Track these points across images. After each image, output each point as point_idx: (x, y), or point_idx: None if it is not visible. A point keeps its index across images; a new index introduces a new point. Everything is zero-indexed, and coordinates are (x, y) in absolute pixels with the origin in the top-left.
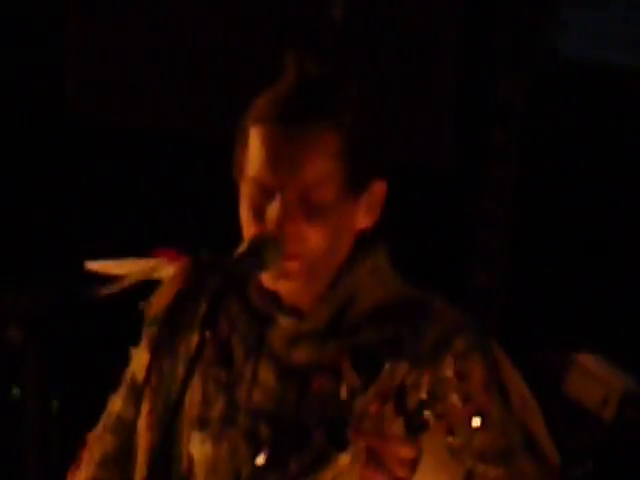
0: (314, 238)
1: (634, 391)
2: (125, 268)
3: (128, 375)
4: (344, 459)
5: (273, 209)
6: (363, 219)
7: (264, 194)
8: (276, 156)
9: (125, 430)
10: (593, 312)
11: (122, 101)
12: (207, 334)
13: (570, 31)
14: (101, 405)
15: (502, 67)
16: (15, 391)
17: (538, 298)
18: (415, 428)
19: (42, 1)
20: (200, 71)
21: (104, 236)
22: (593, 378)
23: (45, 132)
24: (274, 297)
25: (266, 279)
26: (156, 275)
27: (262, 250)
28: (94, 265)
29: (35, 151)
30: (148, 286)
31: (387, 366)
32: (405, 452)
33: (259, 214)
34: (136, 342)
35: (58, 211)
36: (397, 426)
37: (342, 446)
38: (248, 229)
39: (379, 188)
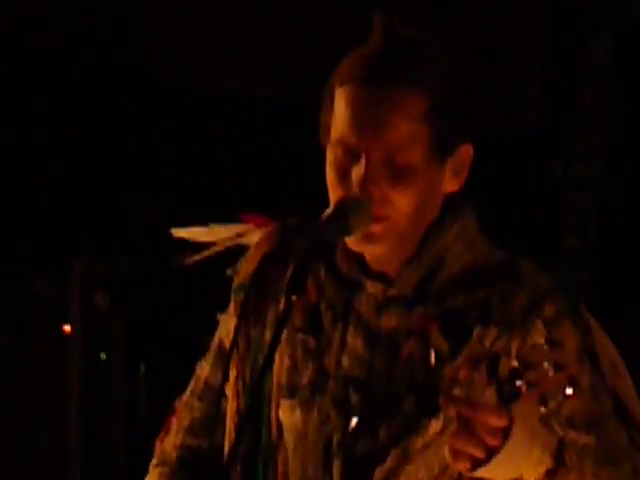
0: (400, 201)
1: None
2: (213, 235)
3: (216, 341)
4: (434, 427)
5: (358, 171)
6: (450, 183)
7: (349, 156)
8: (361, 117)
9: (213, 396)
10: None
11: (208, 66)
12: (293, 299)
13: None
14: (189, 371)
15: (591, 31)
16: (103, 356)
17: (628, 262)
18: (507, 396)
19: None
20: (283, 36)
21: (185, 203)
22: None
23: (129, 95)
24: (361, 262)
25: (353, 243)
26: (244, 241)
27: (348, 213)
28: (181, 232)
29: (117, 117)
30: (237, 252)
31: (476, 331)
32: (496, 421)
33: (344, 176)
34: (224, 308)
35: (140, 178)
36: (489, 394)
37: (432, 413)
38: (334, 192)
39: (465, 152)
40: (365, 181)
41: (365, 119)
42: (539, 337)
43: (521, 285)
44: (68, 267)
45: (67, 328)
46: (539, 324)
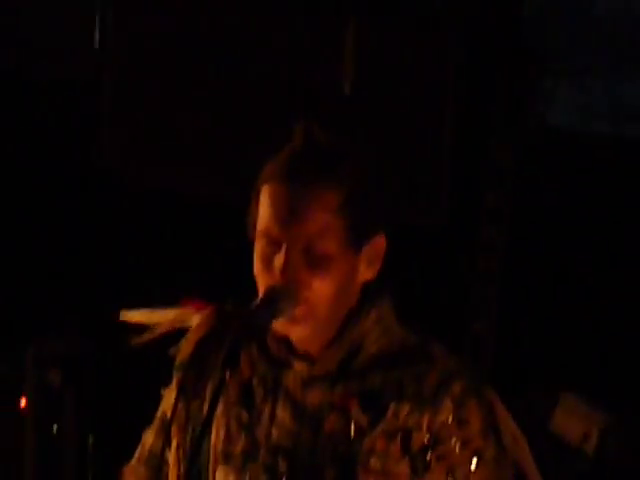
0: (318, 286)
1: (613, 426)
2: (156, 317)
3: (160, 413)
4: None
5: (279, 259)
6: (365, 271)
7: (272, 246)
8: (282, 211)
9: (156, 462)
10: (575, 357)
11: (152, 165)
12: (227, 376)
13: (555, 101)
14: (135, 440)
15: (495, 135)
16: (55, 428)
17: (526, 345)
18: (419, 468)
19: (79, 66)
20: (219, 140)
21: (134, 289)
22: (576, 414)
23: (79, 190)
24: (288, 343)
25: (279, 326)
26: (185, 324)
27: (276, 300)
28: (128, 315)
29: (70, 207)
30: (178, 333)
31: (391, 407)
32: None
33: (268, 265)
34: (168, 384)
35: (90, 265)
36: (402, 465)
37: (350, 476)
38: (260, 280)
39: (379, 243)
40: (285, 268)
41: (285, 213)
42: (447, 414)
43: (432, 366)
44: (23, 347)
45: (23, 402)
46: (448, 402)
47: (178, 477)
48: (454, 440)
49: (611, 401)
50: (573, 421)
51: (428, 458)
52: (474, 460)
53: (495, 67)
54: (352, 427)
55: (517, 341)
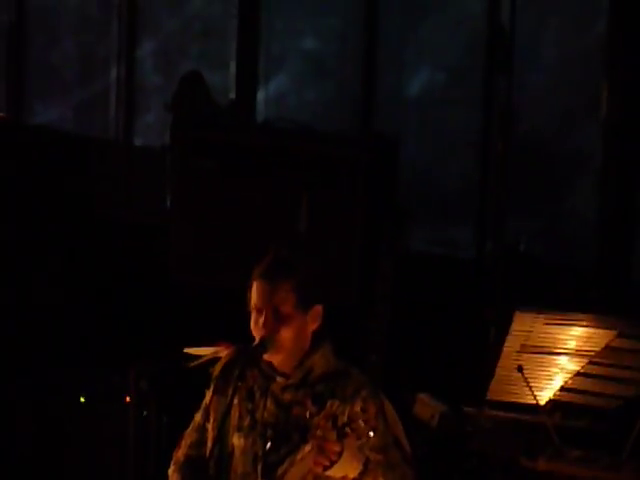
0: (285, 333)
1: (447, 412)
2: (205, 351)
3: (203, 403)
4: (307, 448)
5: (262, 320)
6: (312, 325)
7: (258, 313)
8: (262, 293)
9: (201, 431)
10: (424, 372)
11: (203, 272)
12: (239, 384)
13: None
14: (190, 420)
15: (381, 255)
16: (144, 413)
17: (400, 364)
18: (341, 435)
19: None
20: (239, 258)
21: (195, 336)
22: (427, 405)
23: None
24: (272, 366)
25: (266, 356)
26: (219, 354)
27: (265, 343)
28: (190, 350)
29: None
30: (215, 360)
31: (329, 403)
32: (336, 447)
33: (257, 323)
34: (208, 387)
35: (170, 320)
36: (332, 434)
37: (306, 442)
38: (254, 332)
39: (318, 309)
40: (265, 325)
41: (264, 295)
42: (358, 407)
43: (351, 380)
44: (128, 365)
45: (127, 399)
46: (359, 400)
47: (213, 438)
48: (360, 421)
49: (446, 398)
50: (425, 409)
51: (346, 430)
52: (371, 433)
53: (381, 220)
54: (307, 413)
55: (396, 362)
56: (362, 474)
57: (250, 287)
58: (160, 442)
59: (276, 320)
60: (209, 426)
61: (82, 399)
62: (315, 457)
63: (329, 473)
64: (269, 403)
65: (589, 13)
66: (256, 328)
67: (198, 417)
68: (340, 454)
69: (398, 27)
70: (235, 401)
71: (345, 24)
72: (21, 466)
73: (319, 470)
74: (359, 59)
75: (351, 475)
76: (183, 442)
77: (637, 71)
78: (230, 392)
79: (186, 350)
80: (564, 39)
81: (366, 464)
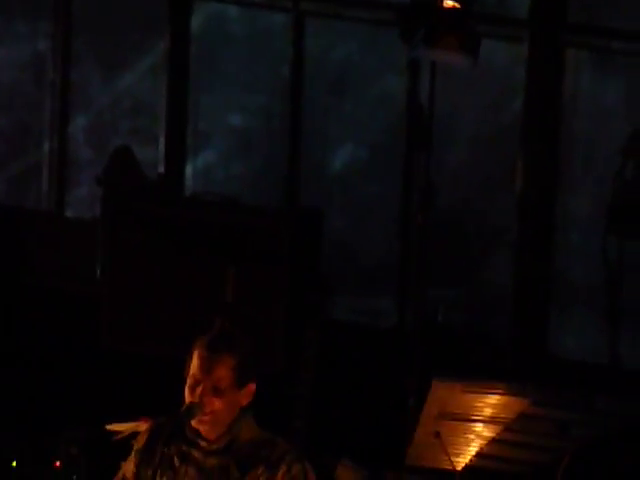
0: (218, 405)
1: (368, 476)
2: (126, 427)
3: (121, 474)
4: None
5: (199, 390)
6: (243, 399)
7: (195, 382)
8: (203, 365)
9: None
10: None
11: (133, 341)
12: (165, 450)
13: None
14: None
15: (305, 324)
16: (74, 478)
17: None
18: None
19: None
20: (176, 320)
21: (123, 402)
22: (349, 470)
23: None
24: (198, 432)
25: (194, 423)
26: (139, 429)
27: (192, 409)
28: (111, 426)
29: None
30: (135, 434)
31: (253, 468)
32: None
33: (192, 392)
34: (126, 459)
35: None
36: None
37: None
38: (187, 398)
39: (252, 386)
40: (201, 395)
41: (204, 366)
42: (282, 471)
43: (277, 448)
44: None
45: (57, 463)
46: (284, 465)
47: None
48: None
49: (367, 463)
50: (347, 474)
51: None
52: None
53: (305, 289)
54: (231, 478)
55: (320, 428)
56: None
57: (190, 356)
58: None
59: (212, 392)
60: None
61: (13, 463)
62: None
63: None
64: (190, 470)
65: (505, 92)
66: (191, 395)
67: None
68: None
69: (322, 104)
70: (159, 470)
71: (271, 101)
72: None
73: None
74: (284, 135)
75: None
76: None
77: (550, 149)
78: (156, 462)
79: (107, 427)
80: (481, 117)
81: None
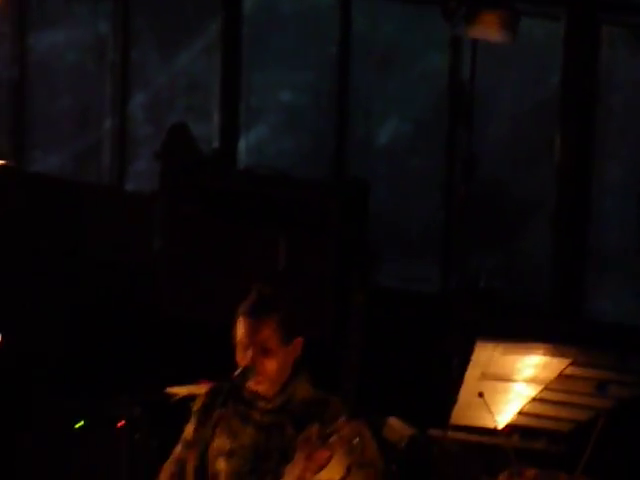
0: (269, 365)
1: (414, 435)
2: (184, 389)
3: (183, 437)
4: (289, 465)
5: (248, 353)
6: (293, 355)
7: (244, 347)
8: (247, 330)
9: (180, 464)
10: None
11: (190, 308)
12: (223, 411)
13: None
14: (171, 447)
15: (353, 290)
16: (136, 436)
17: (377, 397)
18: (327, 445)
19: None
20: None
21: (177, 376)
22: (396, 428)
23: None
24: (254, 393)
25: (250, 384)
26: (198, 391)
27: (246, 372)
28: (170, 389)
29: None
30: (194, 396)
31: (308, 426)
32: (325, 453)
33: (243, 356)
34: (187, 421)
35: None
36: (319, 445)
37: (286, 461)
38: (240, 362)
39: (298, 341)
40: (252, 358)
41: (249, 331)
42: (335, 430)
43: (330, 407)
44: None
45: (121, 424)
46: (341, 421)
47: (195, 467)
48: (338, 435)
49: (413, 422)
50: (394, 432)
51: (330, 441)
52: (356, 439)
53: (353, 258)
54: (286, 435)
55: (368, 389)
56: (344, 478)
57: (235, 323)
58: (150, 462)
59: (261, 354)
60: (190, 457)
61: (81, 424)
62: (306, 464)
63: (317, 477)
64: (249, 428)
65: (543, 68)
66: (243, 361)
67: (178, 450)
68: (329, 459)
69: (368, 81)
70: (218, 429)
71: (319, 78)
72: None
73: (309, 475)
74: (332, 111)
75: (336, 478)
76: (162, 474)
77: (587, 122)
78: (213, 421)
79: (168, 390)
80: (520, 93)
81: (349, 468)
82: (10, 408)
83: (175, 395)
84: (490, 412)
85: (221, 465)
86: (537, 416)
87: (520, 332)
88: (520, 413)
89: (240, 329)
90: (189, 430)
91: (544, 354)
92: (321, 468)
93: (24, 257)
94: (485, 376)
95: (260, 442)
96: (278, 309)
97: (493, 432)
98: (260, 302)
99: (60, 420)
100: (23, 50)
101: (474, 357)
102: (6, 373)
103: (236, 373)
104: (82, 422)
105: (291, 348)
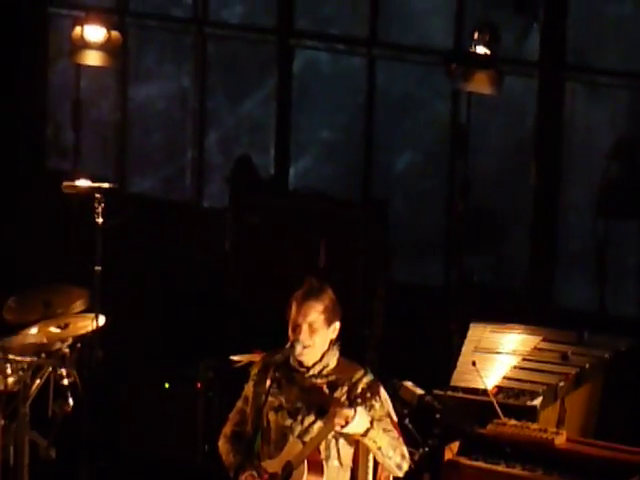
0: (313, 341)
1: (423, 394)
2: (244, 357)
3: (244, 393)
4: (323, 421)
5: (298, 330)
6: (332, 334)
7: (295, 325)
8: (299, 311)
9: (242, 413)
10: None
11: (251, 295)
12: (276, 375)
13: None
14: (236, 399)
15: (376, 283)
16: (210, 395)
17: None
18: (354, 404)
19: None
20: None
21: (242, 341)
22: (409, 389)
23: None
24: (299, 361)
25: (297, 355)
26: (255, 359)
27: (295, 344)
28: (234, 357)
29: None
30: (252, 362)
31: (339, 388)
32: (349, 412)
33: (294, 332)
34: (246, 382)
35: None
36: (347, 404)
37: (323, 415)
38: (290, 337)
39: (337, 324)
40: (301, 334)
41: (301, 312)
42: (362, 388)
43: (357, 372)
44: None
45: (198, 385)
46: (362, 384)
47: (252, 418)
48: (364, 396)
49: (422, 384)
50: (408, 392)
51: (358, 401)
52: (376, 403)
53: (376, 258)
54: (323, 395)
55: (388, 359)
56: (368, 430)
57: (290, 307)
58: (221, 416)
59: (309, 332)
60: (248, 409)
61: (166, 385)
62: (336, 419)
63: (345, 430)
64: (294, 389)
65: (521, 114)
66: (293, 336)
67: (240, 403)
68: (354, 417)
69: (388, 123)
70: (270, 389)
71: (350, 121)
72: (125, 427)
73: (338, 429)
74: (360, 145)
75: (360, 431)
76: (229, 422)
77: (555, 155)
78: (268, 383)
79: (232, 357)
80: (504, 133)
81: (371, 422)
82: (115, 376)
83: (238, 362)
84: (481, 377)
85: (272, 417)
86: (517, 380)
87: (503, 316)
88: (504, 377)
89: (294, 311)
90: (248, 388)
91: (522, 332)
92: (348, 423)
93: (128, 257)
94: (477, 349)
95: (303, 401)
96: (324, 297)
97: (483, 392)
98: (311, 291)
99: (154, 382)
100: (124, 99)
101: (469, 335)
102: (113, 347)
103: (287, 345)
104: (168, 384)
105: (331, 329)
